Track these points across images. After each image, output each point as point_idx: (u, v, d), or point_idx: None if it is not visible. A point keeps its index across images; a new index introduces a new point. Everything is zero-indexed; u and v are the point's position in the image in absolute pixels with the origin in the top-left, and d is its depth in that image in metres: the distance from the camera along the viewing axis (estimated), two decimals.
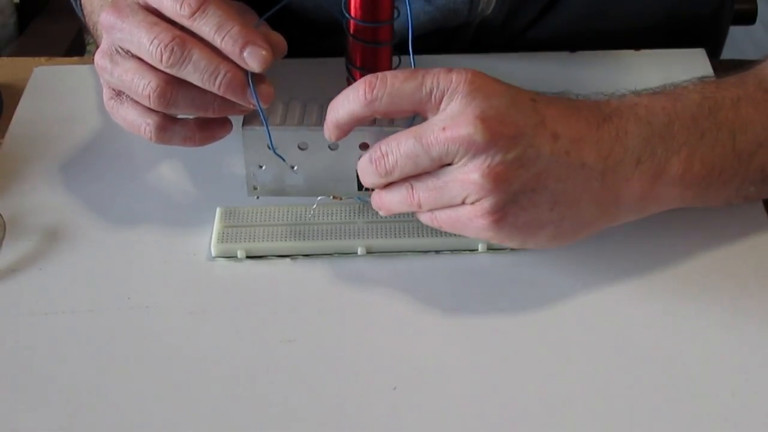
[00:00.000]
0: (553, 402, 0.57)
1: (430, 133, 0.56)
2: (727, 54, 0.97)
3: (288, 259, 0.65)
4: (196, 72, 0.59)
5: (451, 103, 0.57)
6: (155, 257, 0.66)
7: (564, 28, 0.84)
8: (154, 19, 0.60)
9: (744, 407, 0.56)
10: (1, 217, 0.68)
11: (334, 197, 0.66)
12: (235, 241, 0.65)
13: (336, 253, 0.65)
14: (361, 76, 0.65)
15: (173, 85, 0.60)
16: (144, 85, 0.60)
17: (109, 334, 0.61)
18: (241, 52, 0.59)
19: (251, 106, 0.61)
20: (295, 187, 0.65)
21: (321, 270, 0.65)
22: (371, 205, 0.62)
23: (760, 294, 0.62)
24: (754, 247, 0.65)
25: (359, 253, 0.65)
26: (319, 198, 0.66)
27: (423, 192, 0.58)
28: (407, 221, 0.66)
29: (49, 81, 0.81)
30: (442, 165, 0.57)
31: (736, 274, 0.64)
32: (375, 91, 0.57)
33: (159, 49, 0.59)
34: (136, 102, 0.62)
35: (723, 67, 0.80)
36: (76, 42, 1.36)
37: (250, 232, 0.66)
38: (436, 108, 0.57)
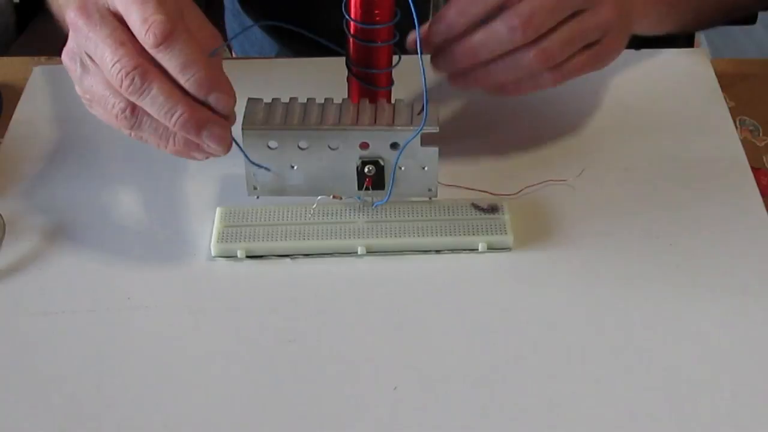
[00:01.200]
0: (553, 402, 0.57)
1: None
2: (727, 54, 0.97)
3: (288, 259, 0.65)
4: (153, 106, 0.58)
5: None
6: (155, 257, 0.66)
7: None
8: (122, 36, 0.58)
9: (744, 407, 0.56)
10: (1, 217, 0.68)
11: (334, 197, 0.66)
12: (235, 241, 0.65)
13: (336, 253, 0.65)
14: (362, 75, 0.65)
15: (138, 111, 0.59)
16: (113, 104, 0.59)
17: (109, 334, 0.61)
18: (206, 97, 0.58)
19: (206, 149, 0.59)
20: (295, 187, 0.65)
21: (321, 270, 0.65)
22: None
23: (760, 294, 0.62)
24: (754, 247, 0.65)
25: (359, 252, 0.65)
26: (319, 198, 0.66)
27: (557, 45, 0.64)
28: (407, 221, 0.66)
29: (48, 81, 0.81)
30: (573, 15, 0.64)
31: (736, 274, 0.64)
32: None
33: (120, 74, 0.57)
34: None
35: (723, 67, 0.81)
36: None
37: (250, 232, 0.66)
38: None
